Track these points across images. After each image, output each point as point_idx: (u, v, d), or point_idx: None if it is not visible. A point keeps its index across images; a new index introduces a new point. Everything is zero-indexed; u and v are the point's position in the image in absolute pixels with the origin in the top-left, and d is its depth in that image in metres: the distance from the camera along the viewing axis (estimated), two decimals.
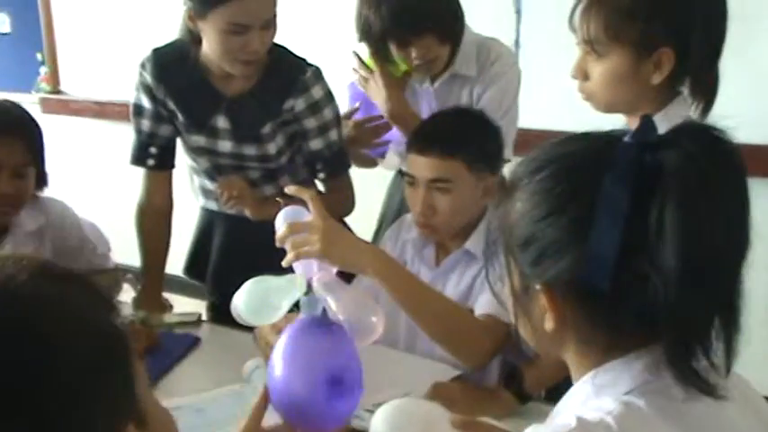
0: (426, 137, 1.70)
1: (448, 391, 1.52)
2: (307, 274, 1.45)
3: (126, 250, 2.19)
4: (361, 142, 2.15)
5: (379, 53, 1.97)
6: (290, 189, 1.45)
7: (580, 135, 0.89)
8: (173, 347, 1.83)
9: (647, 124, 0.82)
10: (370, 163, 2.27)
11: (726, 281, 0.81)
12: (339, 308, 1.39)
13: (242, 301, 1.41)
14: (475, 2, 2.05)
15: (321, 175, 2.03)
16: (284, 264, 1.38)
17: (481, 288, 1.67)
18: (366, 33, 1.93)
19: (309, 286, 1.42)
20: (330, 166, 2.01)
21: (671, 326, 0.80)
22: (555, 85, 2.21)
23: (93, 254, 2.11)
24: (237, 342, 1.89)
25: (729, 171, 0.80)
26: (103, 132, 4.22)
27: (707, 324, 0.81)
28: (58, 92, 4.44)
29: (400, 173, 2.31)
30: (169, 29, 1.95)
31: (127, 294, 2.16)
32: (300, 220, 1.43)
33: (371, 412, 1.47)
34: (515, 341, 1.37)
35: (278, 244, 1.42)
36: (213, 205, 2.09)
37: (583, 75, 1.46)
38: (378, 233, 2.31)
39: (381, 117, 2.09)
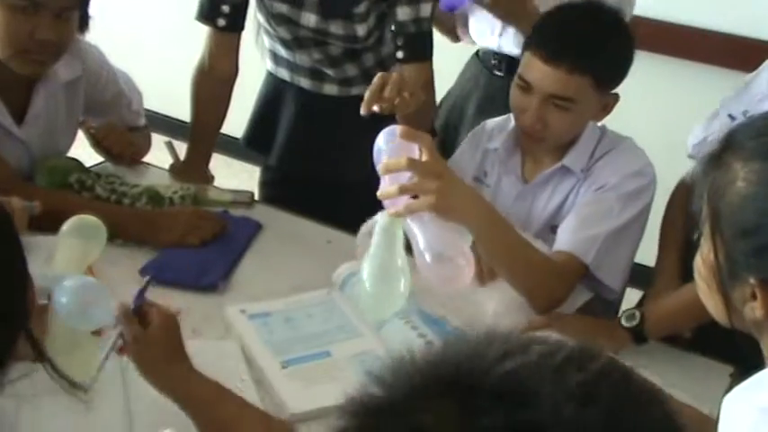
0: (555, 44, 1.46)
1: (561, 322, 1.43)
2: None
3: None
4: None
5: None
6: (402, 130, 1.27)
7: None
8: (235, 234, 1.64)
9: None
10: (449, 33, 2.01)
11: None
12: (426, 246, 1.28)
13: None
14: None
15: (399, 54, 1.76)
16: (390, 214, 1.28)
17: (570, 208, 1.55)
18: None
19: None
20: (411, 46, 1.75)
21: None
22: None
23: (128, 110, 1.89)
24: (300, 230, 1.74)
25: None
26: None
27: None
28: None
29: (476, 55, 2.09)
30: None
31: (155, 156, 1.95)
32: (410, 153, 1.27)
33: None
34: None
35: (382, 173, 1.28)
36: (284, 74, 1.85)
37: None
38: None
39: None
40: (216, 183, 1.93)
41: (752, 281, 0.83)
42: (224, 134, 1.97)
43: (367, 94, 1.43)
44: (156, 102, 2.48)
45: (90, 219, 1.33)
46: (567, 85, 1.45)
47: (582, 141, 1.56)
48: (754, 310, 0.84)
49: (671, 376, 1.37)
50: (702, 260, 0.90)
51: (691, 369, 1.43)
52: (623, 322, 1.43)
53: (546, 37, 1.49)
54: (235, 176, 2.89)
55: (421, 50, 1.76)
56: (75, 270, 1.26)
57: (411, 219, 1.31)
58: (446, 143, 1.97)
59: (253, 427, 1.06)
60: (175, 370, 1.08)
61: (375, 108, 1.43)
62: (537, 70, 1.47)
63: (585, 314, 1.54)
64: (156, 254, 1.54)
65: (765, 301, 0.83)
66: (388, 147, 1.29)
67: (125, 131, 1.81)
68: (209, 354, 1.28)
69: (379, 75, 1.45)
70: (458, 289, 1.37)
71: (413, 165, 1.26)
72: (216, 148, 1.94)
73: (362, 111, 1.43)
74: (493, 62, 2.00)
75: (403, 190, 1.27)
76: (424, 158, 1.27)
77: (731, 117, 1.55)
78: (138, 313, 1.12)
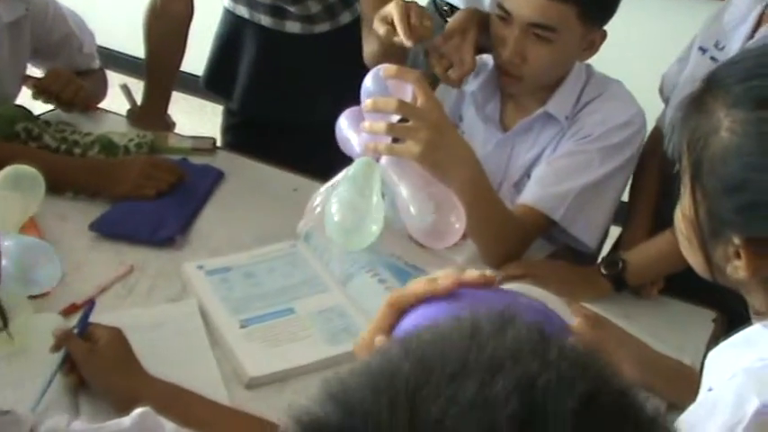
0: None
1: (540, 270, 1.37)
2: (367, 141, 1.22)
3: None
4: None
5: None
6: (391, 68, 1.15)
7: None
8: (195, 183, 1.55)
9: None
10: None
11: None
12: (413, 201, 1.18)
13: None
14: None
15: None
16: (367, 147, 1.18)
17: (548, 157, 1.46)
18: None
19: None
20: None
21: None
22: None
23: (79, 52, 1.78)
24: (265, 178, 1.64)
25: None
26: None
27: None
28: None
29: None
30: None
31: (113, 100, 1.84)
32: (402, 96, 1.17)
33: None
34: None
35: (366, 110, 1.17)
36: (243, 11, 1.73)
37: None
38: None
39: None
40: (188, 126, 1.83)
41: (735, 240, 0.76)
42: (192, 74, 1.87)
43: (401, 26, 1.27)
44: (113, 39, 2.35)
45: (26, 169, 1.23)
46: (548, 11, 1.33)
47: (566, 85, 1.45)
48: (737, 269, 0.78)
49: (652, 325, 1.32)
50: (683, 214, 0.83)
51: (672, 316, 1.38)
52: (603, 270, 1.36)
53: None
54: (209, 120, 2.78)
55: None
56: (11, 226, 1.17)
57: (392, 167, 1.21)
58: None
59: (225, 426, 0.99)
60: (133, 380, 1.03)
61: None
62: None
63: (561, 258, 1.48)
64: (108, 207, 1.45)
65: (749, 262, 0.76)
66: (378, 87, 1.19)
67: (74, 76, 1.70)
68: (168, 320, 1.21)
69: (396, 2, 1.29)
70: (445, 245, 1.29)
71: (405, 108, 1.16)
72: (186, 90, 1.82)
73: (408, 43, 1.28)
74: (444, 8, 1.87)
75: (391, 130, 1.17)
76: (420, 103, 1.17)
77: (702, 49, 1.45)
78: (83, 336, 1.07)
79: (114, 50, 2.61)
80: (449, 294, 0.67)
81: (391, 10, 1.29)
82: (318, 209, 1.32)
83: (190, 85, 2.06)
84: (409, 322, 0.68)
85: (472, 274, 0.68)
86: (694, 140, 0.77)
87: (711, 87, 0.77)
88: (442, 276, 0.67)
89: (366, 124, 1.19)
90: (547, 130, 1.46)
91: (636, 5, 1.82)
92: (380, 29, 1.30)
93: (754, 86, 0.73)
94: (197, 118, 2.72)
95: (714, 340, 1.32)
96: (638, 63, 2.18)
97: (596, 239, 1.46)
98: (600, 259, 1.43)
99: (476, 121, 1.53)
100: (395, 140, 1.22)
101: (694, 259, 0.84)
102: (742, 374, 0.77)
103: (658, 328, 1.31)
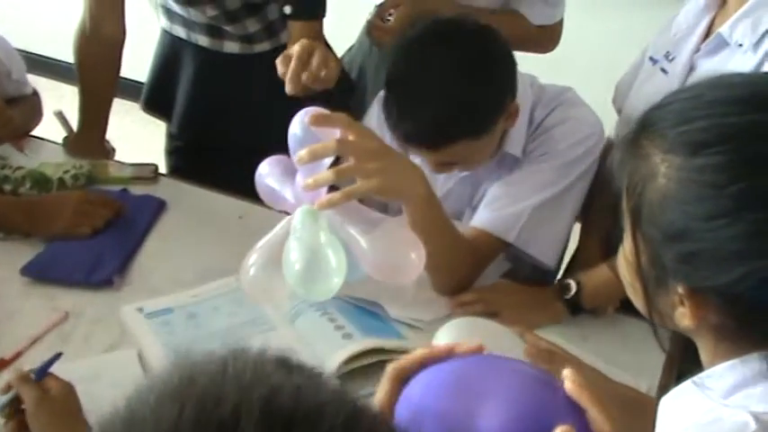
0: (399, 127, 1.26)
1: (493, 295, 1.33)
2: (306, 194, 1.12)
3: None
4: None
5: None
6: (312, 117, 1.07)
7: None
8: (134, 217, 1.49)
9: None
10: None
11: None
12: (365, 238, 1.11)
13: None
14: None
15: (287, 9, 1.52)
16: (321, 205, 1.09)
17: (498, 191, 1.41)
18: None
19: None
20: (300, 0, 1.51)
21: None
22: None
23: (7, 79, 1.69)
24: (209, 205, 1.58)
25: None
26: None
27: None
28: None
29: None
30: None
31: (48, 127, 1.76)
32: (330, 135, 1.10)
33: (409, 326, 1.28)
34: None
35: (301, 162, 1.08)
36: (180, 31, 1.66)
37: None
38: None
39: None
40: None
41: (679, 289, 0.72)
42: None
43: (292, 66, 1.24)
44: (58, 48, 2.25)
45: None
46: (443, 156, 1.29)
47: (516, 128, 1.37)
48: (683, 317, 0.74)
49: (609, 345, 1.30)
50: (625, 259, 0.79)
51: (630, 335, 1.34)
52: (559, 294, 1.33)
53: (389, 116, 1.28)
54: None
55: (309, 8, 1.53)
56: None
57: (338, 211, 1.12)
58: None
59: None
60: None
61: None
62: (405, 149, 1.28)
63: (519, 273, 1.44)
64: (42, 248, 1.38)
65: (694, 310, 0.72)
66: (307, 133, 1.10)
67: (3, 107, 1.61)
68: (104, 371, 1.15)
69: (302, 42, 1.26)
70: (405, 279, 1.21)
71: (345, 146, 1.09)
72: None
73: (289, 89, 1.24)
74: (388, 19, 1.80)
75: (339, 173, 1.09)
76: (354, 137, 1.10)
77: (653, 60, 1.42)
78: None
79: (61, 60, 2.49)
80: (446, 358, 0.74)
81: (295, 49, 1.25)
82: (252, 270, 1.20)
83: None
84: (412, 388, 0.73)
85: (467, 344, 0.74)
86: (632, 185, 0.74)
87: (646, 130, 0.73)
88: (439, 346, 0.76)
89: (309, 181, 1.09)
90: (508, 163, 1.42)
91: (595, 10, 1.80)
92: (280, 66, 1.26)
93: (688, 131, 0.70)
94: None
95: (671, 359, 1.31)
96: (596, 68, 2.15)
97: (554, 258, 1.42)
98: (556, 281, 1.39)
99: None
100: (331, 189, 1.15)
101: (640, 304, 0.81)
102: (695, 428, 0.74)
103: (615, 349, 1.29)
